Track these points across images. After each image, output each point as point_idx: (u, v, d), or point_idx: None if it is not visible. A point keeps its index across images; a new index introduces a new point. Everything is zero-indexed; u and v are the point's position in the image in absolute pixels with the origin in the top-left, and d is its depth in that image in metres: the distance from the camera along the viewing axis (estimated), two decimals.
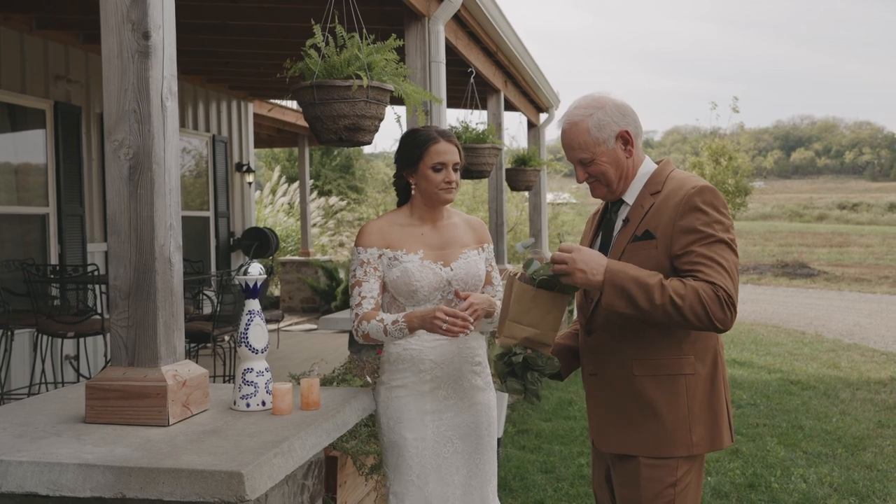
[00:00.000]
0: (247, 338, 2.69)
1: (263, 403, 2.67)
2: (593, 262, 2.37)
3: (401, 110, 7.66)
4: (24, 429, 2.43)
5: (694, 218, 2.38)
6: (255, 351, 2.70)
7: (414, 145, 3.01)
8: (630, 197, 2.56)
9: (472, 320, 2.72)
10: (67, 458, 2.14)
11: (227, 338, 7.03)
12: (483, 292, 3.04)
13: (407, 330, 2.79)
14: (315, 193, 22.10)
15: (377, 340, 2.86)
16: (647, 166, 2.59)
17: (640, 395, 2.47)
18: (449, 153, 2.97)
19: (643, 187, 2.55)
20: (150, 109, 2.48)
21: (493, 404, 3.05)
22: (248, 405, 2.66)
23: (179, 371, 2.53)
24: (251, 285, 2.72)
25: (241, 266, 2.74)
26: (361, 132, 3.88)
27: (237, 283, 2.74)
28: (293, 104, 12.73)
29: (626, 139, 2.54)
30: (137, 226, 2.49)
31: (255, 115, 11.92)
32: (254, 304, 2.73)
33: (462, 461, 2.95)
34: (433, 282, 2.90)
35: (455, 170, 2.98)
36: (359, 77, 3.75)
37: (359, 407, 2.86)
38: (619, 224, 2.57)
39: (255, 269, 2.73)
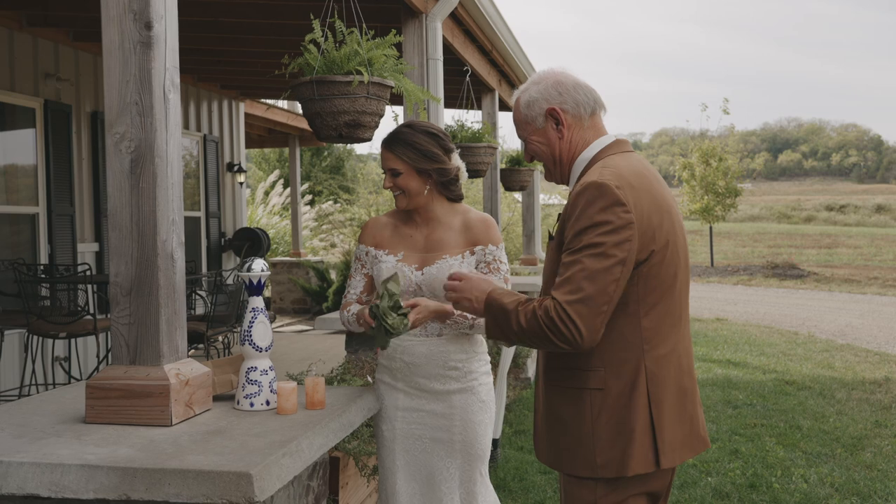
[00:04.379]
0: (250, 336, 2.63)
1: (267, 403, 2.61)
2: (478, 291, 2.35)
3: (398, 109, 7.62)
4: (22, 429, 2.36)
5: (571, 221, 2.16)
6: (258, 349, 2.64)
7: None
8: (572, 187, 2.36)
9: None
10: (69, 458, 2.07)
11: (220, 338, 6.96)
12: None
13: (356, 322, 2.94)
14: (308, 198, 22.02)
15: (350, 329, 3.02)
16: (591, 150, 2.33)
17: (550, 405, 2.31)
18: (382, 160, 2.98)
19: (578, 178, 2.31)
20: (153, 102, 2.41)
21: (474, 408, 2.94)
22: (251, 405, 2.60)
23: (182, 370, 2.47)
24: (254, 282, 2.66)
25: (245, 262, 2.68)
26: (362, 128, 3.82)
27: (241, 279, 2.69)
28: (285, 104, 12.66)
29: (556, 118, 2.31)
30: (139, 221, 2.42)
31: (246, 115, 11.84)
32: (257, 302, 2.66)
33: (431, 461, 2.95)
34: (402, 285, 2.91)
35: (395, 174, 2.91)
36: (359, 73, 3.69)
37: (364, 406, 2.81)
38: None
39: (259, 266, 2.67)
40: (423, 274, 2.92)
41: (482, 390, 2.98)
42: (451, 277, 2.43)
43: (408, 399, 2.97)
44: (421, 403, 2.95)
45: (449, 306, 2.82)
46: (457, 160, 3.00)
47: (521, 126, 2.40)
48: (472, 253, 2.95)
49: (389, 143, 2.94)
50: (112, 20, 2.43)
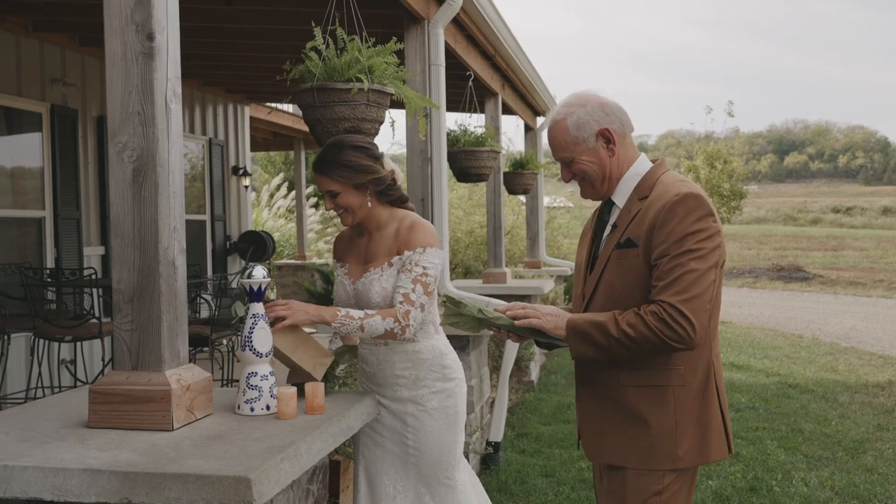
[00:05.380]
0: (251, 341, 2.67)
1: (268, 408, 2.65)
2: (557, 313, 2.48)
3: (396, 114, 7.65)
4: (27, 433, 2.40)
5: (669, 228, 2.33)
6: (259, 354, 2.68)
7: None
8: (620, 199, 2.52)
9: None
10: (72, 463, 2.11)
11: (224, 342, 7.00)
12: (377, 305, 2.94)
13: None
14: (314, 200, 22.07)
15: None
16: (640, 167, 2.53)
17: (627, 405, 2.43)
18: (317, 183, 2.98)
19: (633, 190, 2.49)
20: (155, 111, 2.45)
21: (422, 417, 3.00)
22: (252, 409, 2.64)
23: (183, 375, 2.51)
24: (255, 288, 2.70)
25: (245, 269, 2.72)
26: (362, 135, 3.86)
27: (241, 286, 2.73)
28: (290, 107, 12.71)
29: (607, 137, 2.48)
30: (141, 228, 2.46)
31: (252, 119, 11.89)
32: (258, 308, 2.70)
33: (390, 462, 3.04)
34: (343, 298, 3.05)
35: (333, 195, 2.92)
36: (359, 80, 3.74)
37: (363, 411, 2.84)
38: (608, 228, 2.54)
39: (259, 272, 2.71)
40: (355, 287, 2.99)
41: (433, 399, 3.01)
42: (523, 307, 2.53)
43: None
44: (381, 416, 3.04)
45: (328, 314, 2.81)
46: (389, 164, 3.01)
47: (569, 147, 2.51)
48: (391, 265, 2.93)
49: (320, 166, 2.93)
50: (115, 31, 2.47)
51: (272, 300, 2.87)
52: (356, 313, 2.83)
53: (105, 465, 2.10)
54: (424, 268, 2.89)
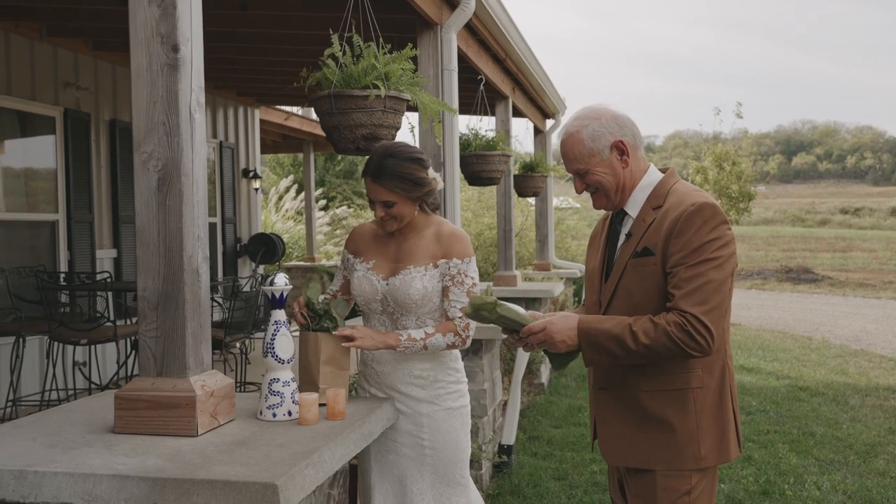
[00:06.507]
0: (273, 348, 2.71)
1: (290, 413, 2.68)
2: (566, 328, 2.48)
3: (414, 118, 7.67)
4: (54, 439, 2.44)
5: (686, 237, 2.39)
6: (281, 361, 2.71)
7: None
8: (633, 209, 2.57)
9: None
10: (101, 468, 2.15)
11: (237, 345, 7.04)
12: (423, 308, 2.99)
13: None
14: (322, 202, 22.13)
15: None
16: (651, 177, 2.59)
17: (649, 410, 2.49)
18: (371, 192, 2.98)
19: (646, 200, 2.55)
20: (179, 122, 2.49)
21: (440, 416, 3.04)
22: (274, 415, 2.67)
23: (207, 381, 2.54)
24: (277, 296, 2.73)
25: (267, 277, 2.76)
26: (378, 141, 3.90)
27: (263, 293, 2.76)
28: (299, 110, 12.76)
29: (621, 149, 2.54)
30: (166, 237, 2.50)
31: (262, 121, 11.93)
32: (280, 315, 2.74)
33: (401, 464, 3.07)
34: (368, 293, 3.04)
35: (388, 205, 2.94)
36: (376, 87, 3.76)
37: (383, 416, 2.88)
38: (622, 238, 2.58)
39: (281, 280, 2.75)
40: (388, 284, 3.01)
41: (449, 399, 3.07)
42: (532, 330, 2.51)
43: None
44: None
45: (392, 339, 2.91)
46: (431, 172, 3.05)
47: (584, 159, 2.55)
48: (436, 266, 3.00)
49: (378, 176, 2.93)
50: (140, 43, 2.51)
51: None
52: (416, 334, 2.93)
53: (133, 470, 2.13)
54: (472, 278, 3.02)
